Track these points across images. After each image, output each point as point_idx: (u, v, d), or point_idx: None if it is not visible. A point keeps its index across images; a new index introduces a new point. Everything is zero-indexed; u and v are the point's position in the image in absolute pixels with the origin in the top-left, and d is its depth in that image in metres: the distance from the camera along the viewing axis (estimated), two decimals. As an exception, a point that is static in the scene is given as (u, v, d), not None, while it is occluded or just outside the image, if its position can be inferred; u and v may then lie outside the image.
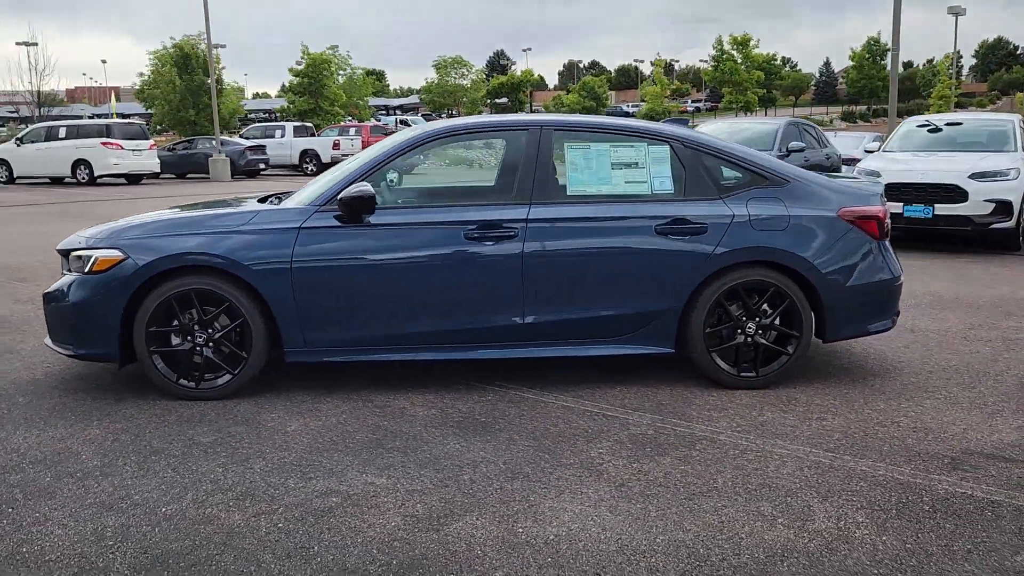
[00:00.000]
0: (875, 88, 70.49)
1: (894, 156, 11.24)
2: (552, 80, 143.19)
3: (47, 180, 25.00)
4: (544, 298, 4.51)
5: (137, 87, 44.38)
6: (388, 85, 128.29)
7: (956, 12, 44.96)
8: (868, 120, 65.91)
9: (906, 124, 12.59)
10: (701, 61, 68.65)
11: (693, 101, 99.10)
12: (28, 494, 3.34)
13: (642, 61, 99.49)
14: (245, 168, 27.52)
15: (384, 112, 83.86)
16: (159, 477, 3.50)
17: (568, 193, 4.60)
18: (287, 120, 39.07)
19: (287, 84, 46.38)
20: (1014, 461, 3.67)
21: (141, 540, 2.96)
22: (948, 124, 12.08)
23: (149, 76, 40.26)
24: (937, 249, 10.28)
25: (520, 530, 3.05)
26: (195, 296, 4.38)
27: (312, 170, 28.25)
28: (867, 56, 69.89)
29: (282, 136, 30.60)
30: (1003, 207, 9.76)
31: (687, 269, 4.53)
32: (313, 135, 31.50)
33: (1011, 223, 9.79)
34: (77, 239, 4.64)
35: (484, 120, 5.06)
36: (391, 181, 4.87)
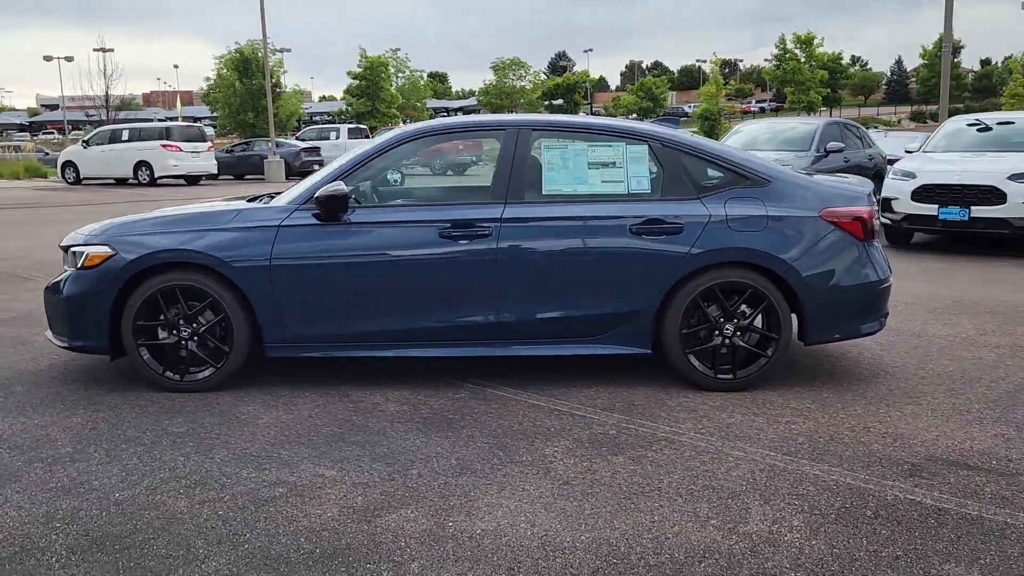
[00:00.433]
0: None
1: (934, 156, 10.91)
2: (615, 81, 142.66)
3: (112, 181, 25.96)
4: (518, 297, 4.54)
5: (204, 91, 45.73)
6: (451, 87, 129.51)
7: (1030, 7, 43.22)
8: (938, 120, 63.94)
9: (951, 123, 12.19)
10: (765, 60, 67.45)
11: (758, 101, 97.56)
12: (-1, 477, 3.52)
13: (704, 61, 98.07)
14: (300, 169, 28.10)
15: (444, 113, 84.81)
16: (123, 464, 3.65)
17: (544, 193, 4.63)
18: (343, 122, 39.77)
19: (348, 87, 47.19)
20: (977, 469, 3.57)
21: (87, 523, 3.10)
22: (1000, 123, 11.64)
23: (214, 80, 41.46)
24: (972, 253, 9.98)
25: (450, 524, 3.10)
26: (179, 291, 4.54)
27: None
28: (938, 54, 67.79)
29: (337, 138, 31.20)
30: (1044, 209, 9.40)
31: (662, 269, 4.51)
32: (368, 137, 31.99)
33: (1052, 226, 9.44)
34: (76, 236, 4.85)
35: (463, 121, 5.12)
36: (375, 180, 4.95)
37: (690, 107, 74.49)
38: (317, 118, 68.99)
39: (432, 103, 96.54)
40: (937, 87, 67.41)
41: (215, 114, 43.03)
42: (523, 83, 63.62)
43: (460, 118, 5.35)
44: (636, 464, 3.64)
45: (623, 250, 4.53)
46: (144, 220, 4.75)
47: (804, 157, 12.10)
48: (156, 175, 24.42)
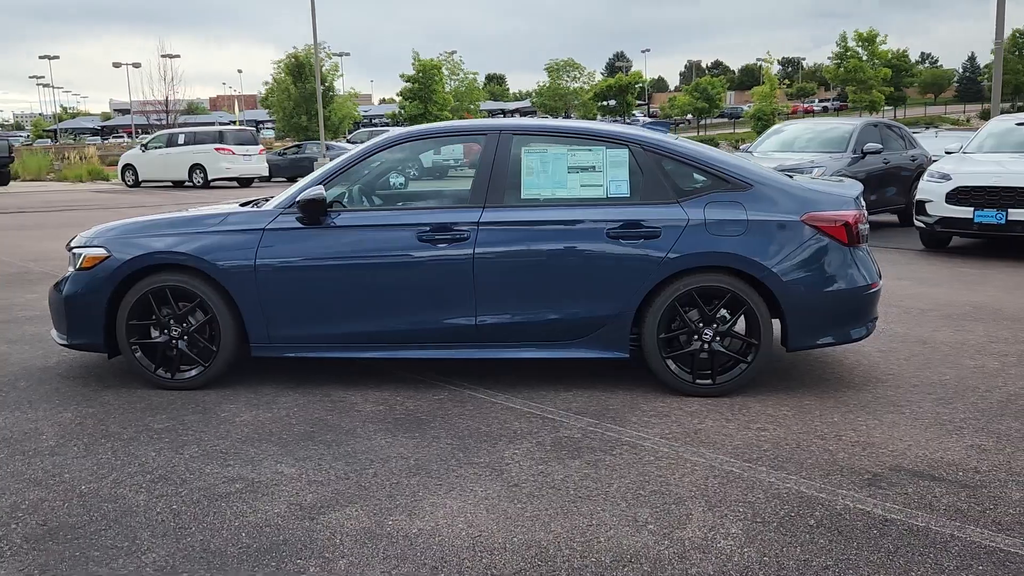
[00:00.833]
0: (1021, 84, 65.99)
1: (973, 157, 10.58)
2: (674, 81, 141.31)
3: (169, 183, 26.77)
4: (495, 300, 4.59)
5: (262, 95, 46.80)
6: (508, 89, 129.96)
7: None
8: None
9: (996, 122, 11.81)
10: (828, 59, 65.97)
11: (821, 100, 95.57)
12: (-19, 468, 3.71)
13: (773, 60, 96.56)
14: (349, 171, 28.53)
15: (501, 115, 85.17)
16: (96, 459, 3.81)
17: (522, 196, 4.66)
18: (395, 125, 40.27)
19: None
20: (940, 480, 3.49)
21: (47, 514, 3.25)
22: None
23: (272, 84, 42.41)
24: (1009, 257, 9.66)
25: (390, 523, 3.16)
26: (170, 292, 4.70)
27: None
28: (1013, 50, 65.46)
29: (387, 140, 31.56)
30: (1084, 212, 9.06)
31: (638, 274, 4.51)
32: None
33: (1092, 229, 9.08)
34: (79, 238, 5.06)
35: (445, 126, 5.18)
36: (361, 184, 5.04)
37: (748, 107, 73.46)
38: (376, 121, 70.02)
39: (488, 105, 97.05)
40: (1010, 83, 64.94)
41: (273, 118, 44.04)
42: (577, 84, 63.52)
43: (446, 123, 5.42)
44: (591, 468, 3.65)
45: (600, 254, 4.54)
46: (138, 223, 4.93)
47: (840, 159, 11.86)
48: (209, 178, 25.10)
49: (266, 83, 43.77)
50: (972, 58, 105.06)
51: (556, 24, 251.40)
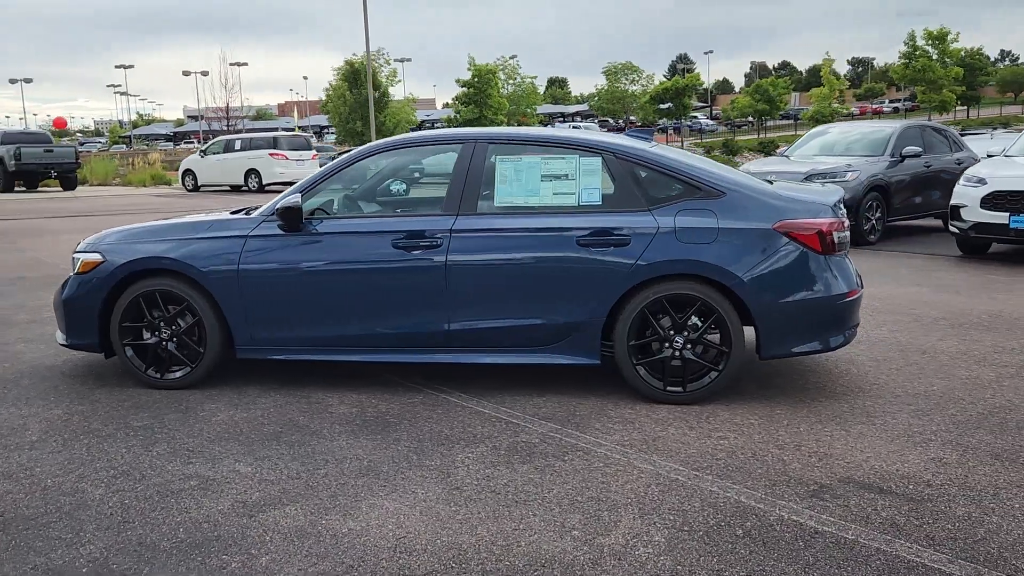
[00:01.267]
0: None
1: (1015, 160, 10.23)
2: (740, 82, 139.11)
3: (227, 188, 27.53)
4: (467, 306, 4.65)
5: (323, 102, 47.79)
6: (570, 92, 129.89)
7: None
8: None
9: (1044, 124, 11.38)
10: (899, 58, 64.03)
11: (891, 101, 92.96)
12: (-37, 461, 3.93)
13: (833, 60, 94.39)
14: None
15: (561, 119, 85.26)
16: (70, 454, 4.00)
17: (496, 205, 4.72)
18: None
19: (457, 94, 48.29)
20: (887, 493, 3.43)
21: (6, 506, 3.43)
22: None
23: (331, 91, 43.31)
24: (1045, 264, 9.30)
25: (323, 522, 3.25)
26: (159, 296, 4.90)
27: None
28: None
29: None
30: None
31: (608, 281, 4.52)
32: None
33: None
34: (81, 243, 5.30)
35: (424, 135, 5.26)
36: (343, 192, 5.17)
37: (806, 108, 71.94)
38: (438, 125, 70.75)
39: (549, 108, 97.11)
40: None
41: (330, 123, 45.01)
42: (636, 88, 63.16)
43: (424, 132, 5.51)
44: (537, 473, 3.69)
45: (569, 261, 4.56)
46: (133, 230, 5.15)
47: (876, 162, 11.59)
48: (264, 182, 25.73)
49: (326, 89, 44.71)
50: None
51: (620, 26, 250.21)
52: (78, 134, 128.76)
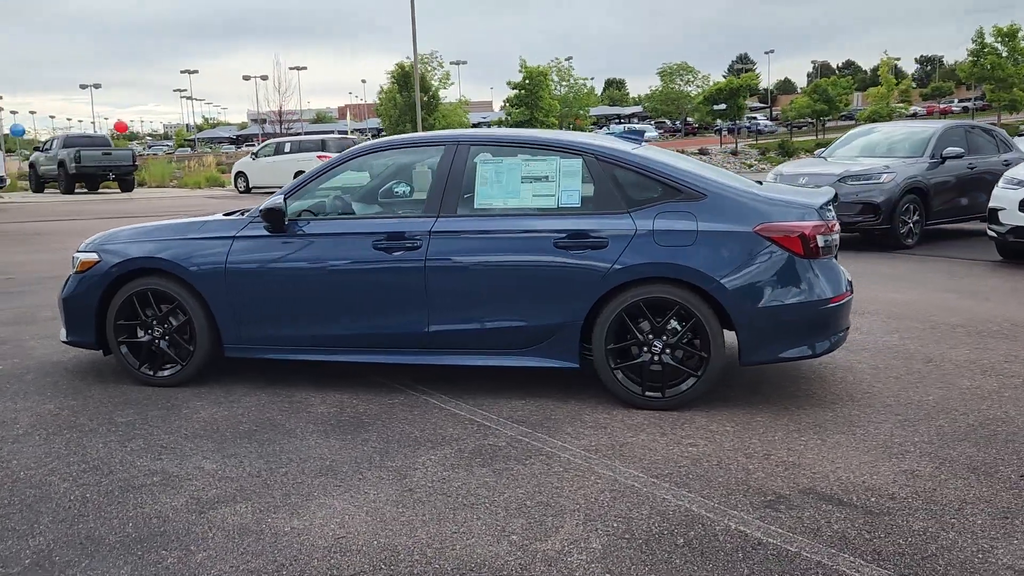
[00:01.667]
0: None
1: (1060, 162, 9.83)
2: (802, 82, 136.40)
3: (277, 189, 28.05)
4: (446, 308, 4.66)
5: (376, 105, 48.42)
6: (627, 93, 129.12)
7: None
8: None
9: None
10: (967, 56, 61.92)
11: (960, 100, 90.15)
12: (-50, 453, 4.08)
13: (898, 59, 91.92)
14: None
15: (617, 120, 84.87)
16: (49, 448, 4.12)
17: (475, 206, 4.72)
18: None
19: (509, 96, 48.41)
20: (846, 506, 3.33)
21: (-24, 496, 3.55)
22: None
23: (383, 94, 43.86)
24: (1086, 269, 8.90)
25: (268, 521, 3.29)
26: (151, 295, 5.02)
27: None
28: None
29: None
30: None
31: (584, 284, 4.48)
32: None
33: None
34: (82, 244, 5.46)
35: (407, 138, 5.29)
36: (330, 194, 5.22)
37: (862, 108, 70.12)
38: (490, 127, 71.10)
39: (605, 110, 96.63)
40: None
41: (383, 126, 45.60)
42: (691, 88, 62.44)
43: (408, 135, 5.53)
44: (493, 477, 3.67)
45: (547, 264, 4.53)
46: (129, 231, 5.29)
47: (914, 164, 11.26)
48: (312, 184, 26.16)
49: (378, 92, 45.33)
50: None
51: (682, 26, 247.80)
52: (147, 137, 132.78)
